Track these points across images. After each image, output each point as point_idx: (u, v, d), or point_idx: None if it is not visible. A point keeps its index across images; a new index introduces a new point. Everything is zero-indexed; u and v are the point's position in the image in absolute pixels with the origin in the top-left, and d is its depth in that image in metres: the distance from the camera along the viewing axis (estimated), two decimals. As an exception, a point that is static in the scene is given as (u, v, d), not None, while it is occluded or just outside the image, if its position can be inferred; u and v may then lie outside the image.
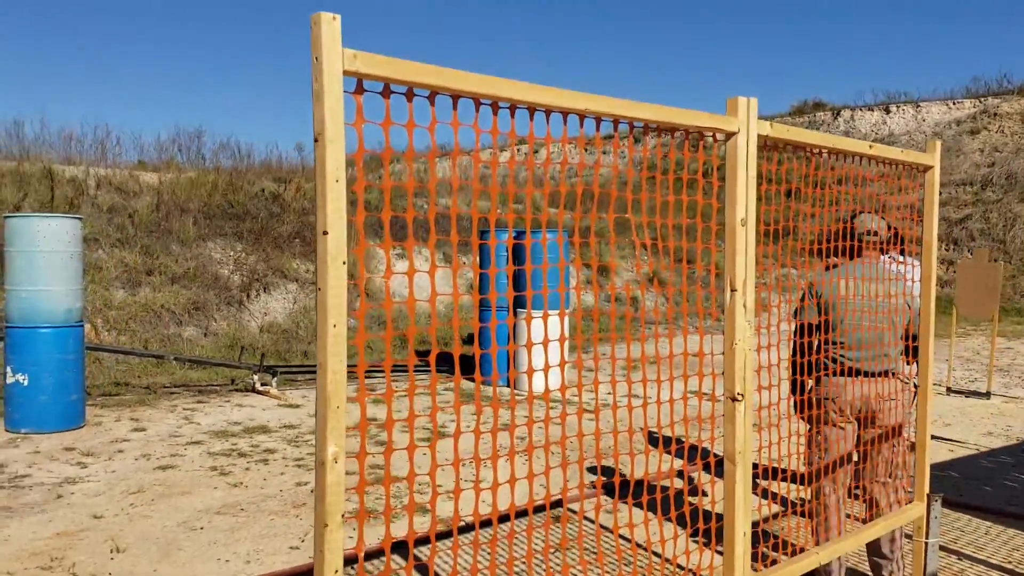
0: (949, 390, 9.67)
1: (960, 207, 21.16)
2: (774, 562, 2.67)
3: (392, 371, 10.94)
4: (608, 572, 4.18)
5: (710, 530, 4.56)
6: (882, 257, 4.35)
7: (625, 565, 4.26)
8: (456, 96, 1.76)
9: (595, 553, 4.35)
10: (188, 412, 8.20)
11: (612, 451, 6.21)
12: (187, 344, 11.07)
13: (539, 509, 5.15)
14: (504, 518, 5.02)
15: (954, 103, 25.22)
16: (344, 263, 1.56)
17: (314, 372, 10.46)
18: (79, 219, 7.52)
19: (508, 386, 9.30)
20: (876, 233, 3.82)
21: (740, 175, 2.31)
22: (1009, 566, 4.47)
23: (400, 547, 4.67)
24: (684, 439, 4.41)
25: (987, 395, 9.34)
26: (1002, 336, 14.12)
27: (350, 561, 4.26)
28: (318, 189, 1.55)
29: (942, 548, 4.23)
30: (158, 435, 7.24)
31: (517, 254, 9.68)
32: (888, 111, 26.23)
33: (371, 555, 4.51)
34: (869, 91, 48.45)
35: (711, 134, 2.30)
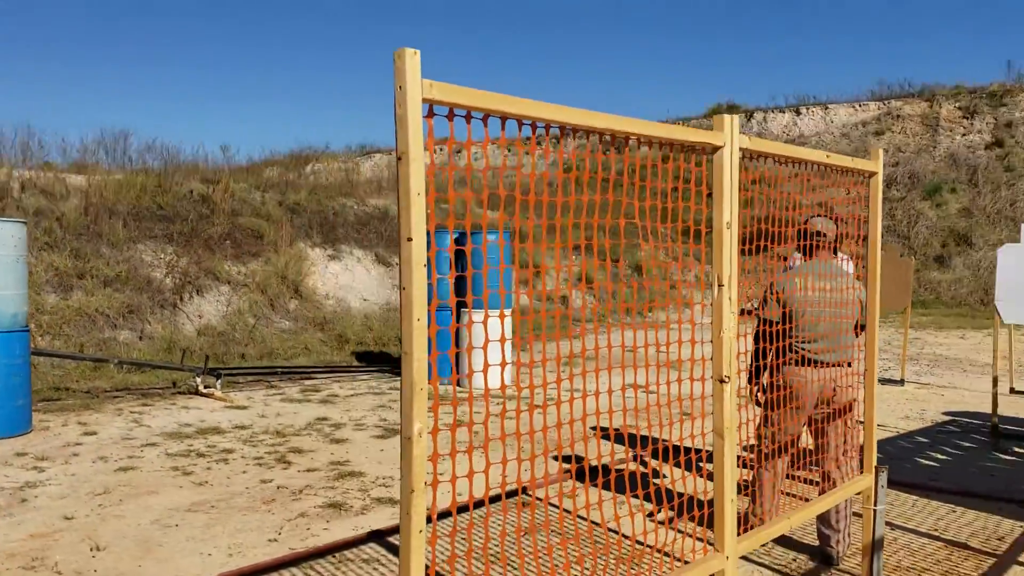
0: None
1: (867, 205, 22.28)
2: (749, 528, 2.99)
3: (332, 372, 11.04)
4: (577, 551, 4.47)
5: (678, 507, 4.91)
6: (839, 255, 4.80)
7: (594, 543, 4.55)
8: (505, 117, 2.01)
9: (565, 535, 4.63)
10: (136, 415, 8.18)
11: (567, 442, 6.52)
12: (123, 348, 10.94)
13: (510, 494, 5.41)
14: (479, 503, 5.26)
15: (860, 105, 26.48)
16: (425, 266, 1.79)
17: (257, 373, 10.50)
18: (24, 223, 7.44)
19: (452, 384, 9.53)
20: (825, 235, 4.26)
21: (726, 183, 2.62)
22: (935, 533, 4.94)
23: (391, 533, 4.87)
24: (632, 429, 4.72)
25: (901, 382, 10.02)
26: (910, 327, 15.02)
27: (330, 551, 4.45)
28: (401, 202, 1.78)
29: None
30: (111, 438, 7.23)
31: (459, 256, 9.91)
32: (799, 113, 27.36)
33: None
34: (781, 94, 50.24)
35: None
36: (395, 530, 4.96)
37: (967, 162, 22.65)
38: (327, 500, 5.55)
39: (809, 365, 4.21)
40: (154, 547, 4.69)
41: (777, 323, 4.17)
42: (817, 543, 4.56)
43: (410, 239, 1.77)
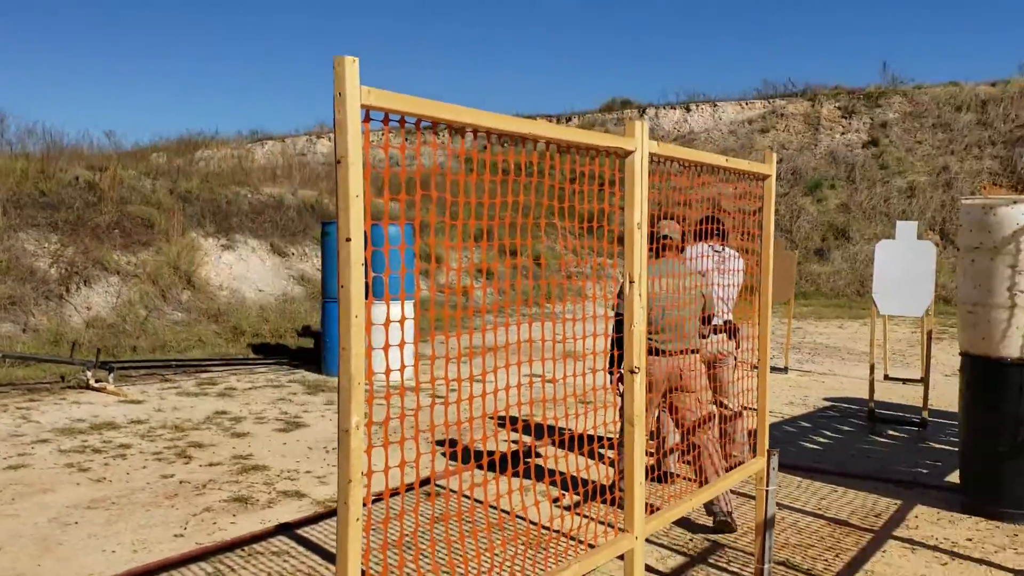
0: (754, 367, 10.82)
1: (753, 200, 23.18)
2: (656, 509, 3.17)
3: (228, 365, 10.83)
4: (487, 540, 4.60)
5: (584, 494, 5.08)
6: (701, 247, 5.22)
7: (503, 531, 4.69)
8: (437, 123, 2.10)
9: (476, 525, 4.75)
10: (23, 411, 7.85)
11: (468, 432, 6.64)
12: (5, 341, 10.45)
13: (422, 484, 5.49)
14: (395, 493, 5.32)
15: (746, 103, 27.48)
16: (363, 264, 1.87)
17: (151, 366, 10.21)
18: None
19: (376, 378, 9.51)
20: (671, 237, 4.78)
21: (636, 186, 2.77)
22: (819, 511, 5.29)
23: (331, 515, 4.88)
24: (537, 419, 4.86)
25: (784, 370, 10.55)
26: (792, 318, 15.75)
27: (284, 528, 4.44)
28: (340, 204, 1.84)
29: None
30: (-4, 436, 6.94)
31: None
32: (688, 110, 28.18)
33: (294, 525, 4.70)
34: (672, 90, 51.55)
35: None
36: (304, 522, 4.98)
37: (845, 160, 23.85)
38: (232, 494, 5.50)
39: (657, 354, 4.65)
40: (53, 546, 4.57)
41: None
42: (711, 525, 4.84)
43: (349, 239, 1.84)
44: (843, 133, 25.14)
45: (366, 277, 1.90)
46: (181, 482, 5.75)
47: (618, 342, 4.57)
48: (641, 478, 2.83)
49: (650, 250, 4.59)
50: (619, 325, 4.42)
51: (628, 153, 2.76)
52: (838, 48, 65.15)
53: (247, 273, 14.87)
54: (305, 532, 4.84)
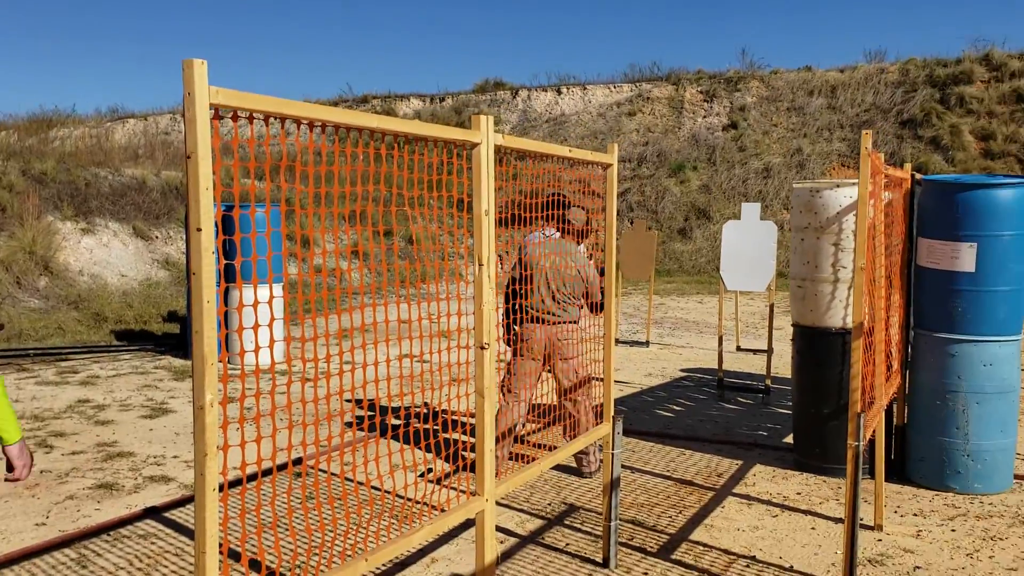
0: (617, 341, 11.32)
1: (621, 182, 23.94)
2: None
3: (91, 352, 10.52)
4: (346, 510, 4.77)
5: (447, 458, 5.31)
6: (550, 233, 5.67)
7: (368, 505, 4.86)
8: (284, 119, 2.25)
9: (337, 498, 4.90)
10: None
11: (337, 410, 6.76)
12: None
13: (289, 464, 5.58)
14: (266, 472, 5.40)
15: (615, 87, 28.23)
16: (214, 252, 2.01)
17: (7, 356, 9.80)
18: None
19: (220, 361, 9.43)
20: (572, 223, 5.24)
21: (483, 176, 2.99)
22: (667, 473, 5.70)
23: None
24: (406, 395, 5.07)
25: (646, 343, 11.09)
26: (656, 294, 16.47)
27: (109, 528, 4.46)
28: (191, 196, 1.97)
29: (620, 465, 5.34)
30: None
31: (226, 227, 9.74)
32: (560, 92, 28.72)
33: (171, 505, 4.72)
34: (544, 73, 52.24)
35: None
36: (172, 505, 5.02)
37: (707, 142, 24.92)
38: (96, 481, 5.46)
39: (538, 322, 5.29)
40: (-96, 542, 4.45)
41: (517, 283, 5.24)
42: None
43: (199, 229, 1.98)
44: (705, 116, 26.20)
45: (218, 264, 2.04)
46: (42, 471, 5.65)
47: (508, 311, 5.25)
48: (491, 445, 3.07)
49: (557, 229, 5.27)
50: (506, 297, 5.30)
51: (474, 145, 2.97)
52: (700, 33, 67.50)
53: (109, 258, 14.38)
54: (173, 515, 4.88)
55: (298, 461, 5.64)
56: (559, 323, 5.35)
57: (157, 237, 15.52)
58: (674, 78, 27.62)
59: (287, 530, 4.51)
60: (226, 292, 9.51)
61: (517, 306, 5.25)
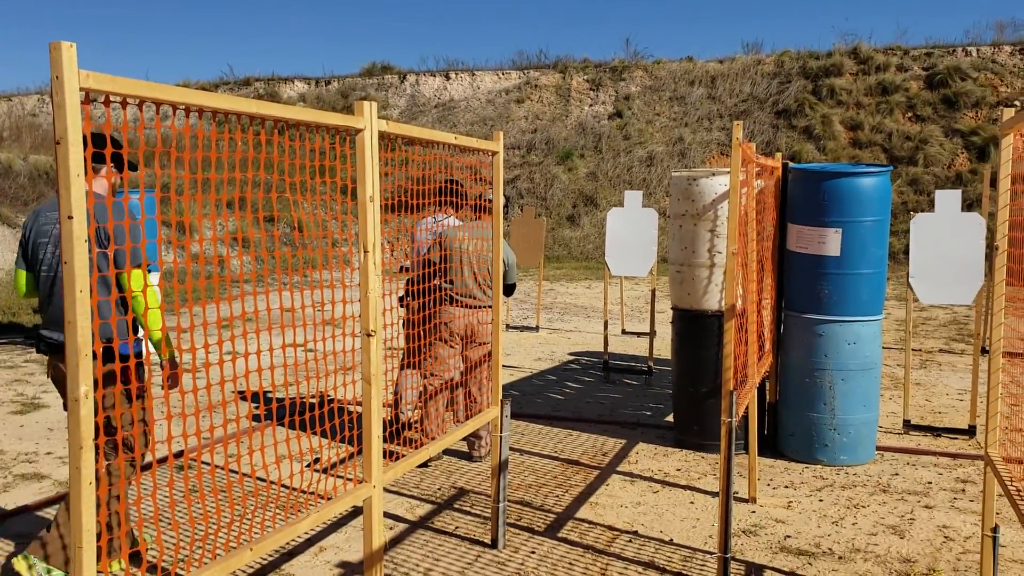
0: (508, 326, 11.46)
1: (510, 169, 24.11)
2: (397, 458, 3.43)
3: (-48, 345, 9.92)
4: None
5: (339, 440, 5.28)
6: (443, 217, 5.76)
7: (253, 495, 4.80)
8: (157, 103, 2.20)
9: (222, 490, 4.82)
10: None
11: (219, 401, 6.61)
12: None
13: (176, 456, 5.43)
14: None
15: (503, 73, 28.35)
16: (87, 240, 1.95)
17: None
18: None
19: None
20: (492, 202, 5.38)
21: (367, 162, 2.99)
22: (555, 454, 5.83)
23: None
24: (290, 384, 5.03)
25: (536, 328, 11.25)
26: (545, 280, 16.70)
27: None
28: (61, 183, 1.91)
29: (510, 448, 5.43)
30: None
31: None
32: (448, 78, 28.64)
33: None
34: (432, 57, 51.92)
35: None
36: (46, 503, 4.82)
37: (593, 130, 25.34)
38: (-39, 483, 5.18)
39: (456, 305, 5.38)
40: None
41: (435, 265, 5.27)
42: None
43: (71, 217, 1.92)
44: (591, 105, 26.63)
45: (91, 252, 1.98)
46: (-101, 474, 5.33)
47: (400, 299, 5.22)
48: (379, 431, 3.08)
49: (473, 211, 5.45)
50: (419, 277, 5.36)
51: (358, 131, 2.97)
52: (586, 21, 68.38)
53: (-30, 246, 13.55)
54: (47, 513, 4.69)
55: (180, 454, 5.50)
56: (480, 307, 5.44)
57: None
58: (561, 66, 27.94)
59: (169, 524, 4.41)
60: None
61: (428, 289, 5.24)
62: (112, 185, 3.82)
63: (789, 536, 4.37)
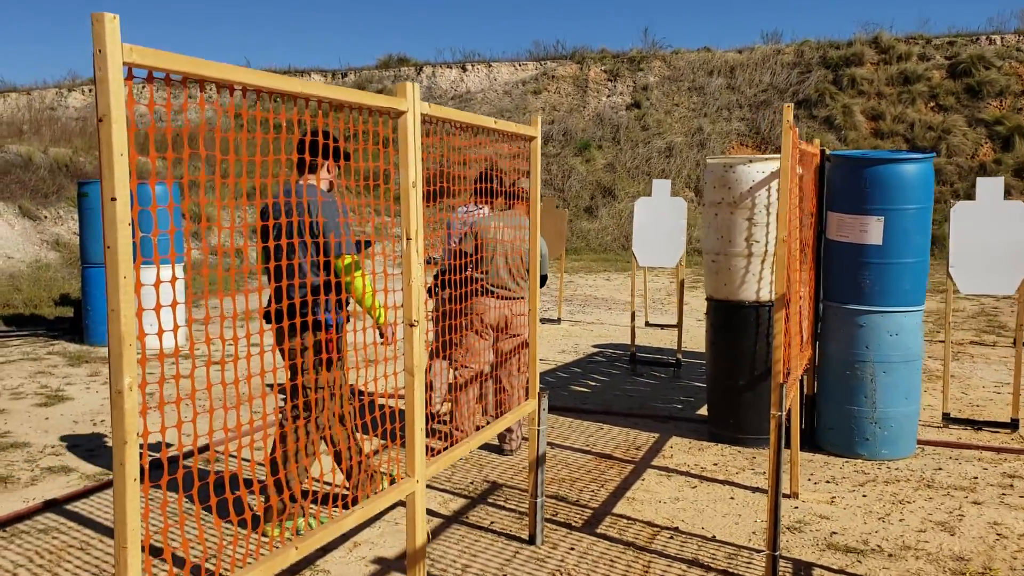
0: (529, 319, 11.34)
1: (515, 168, 23.96)
2: (436, 453, 3.34)
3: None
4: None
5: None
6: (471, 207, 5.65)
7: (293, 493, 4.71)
8: (203, 81, 2.09)
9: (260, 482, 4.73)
10: None
11: (246, 397, 6.53)
12: None
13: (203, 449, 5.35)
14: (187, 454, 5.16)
15: (519, 65, 28.18)
16: (130, 224, 1.85)
17: None
18: None
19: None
20: (527, 192, 5.24)
21: (410, 146, 2.87)
22: (587, 448, 5.72)
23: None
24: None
25: (558, 321, 11.13)
26: (565, 272, 16.58)
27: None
28: (104, 162, 1.81)
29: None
30: None
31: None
32: (465, 69, 28.50)
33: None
34: (448, 49, 51.74)
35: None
36: (73, 497, 4.75)
37: (611, 121, 25.15)
38: (-12, 476, 5.12)
39: (493, 297, 5.23)
40: None
41: (469, 256, 5.14)
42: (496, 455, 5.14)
43: (114, 199, 1.82)
44: (609, 96, 26.44)
45: (133, 237, 1.88)
46: (-75, 467, 5.27)
47: (429, 290, 5.18)
48: (422, 424, 2.98)
49: (505, 202, 5.30)
50: (450, 268, 5.17)
51: (400, 114, 2.85)
52: (603, 12, 67.98)
53: (-10, 238, 13.55)
54: (76, 507, 4.61)
55: (205, 448, 5.42)
56: (513, 298, 5.32)
57: (46, 217, 14.71)
58: (578, 57, 27.75)
59: (210, 521, 4.32)
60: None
61: (461, 281, 5.09)
62: (332, 181, 4.24)
63: (835, 532, 4.24)
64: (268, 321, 3.93)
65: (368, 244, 4.50)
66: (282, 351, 3.95)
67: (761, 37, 28.39)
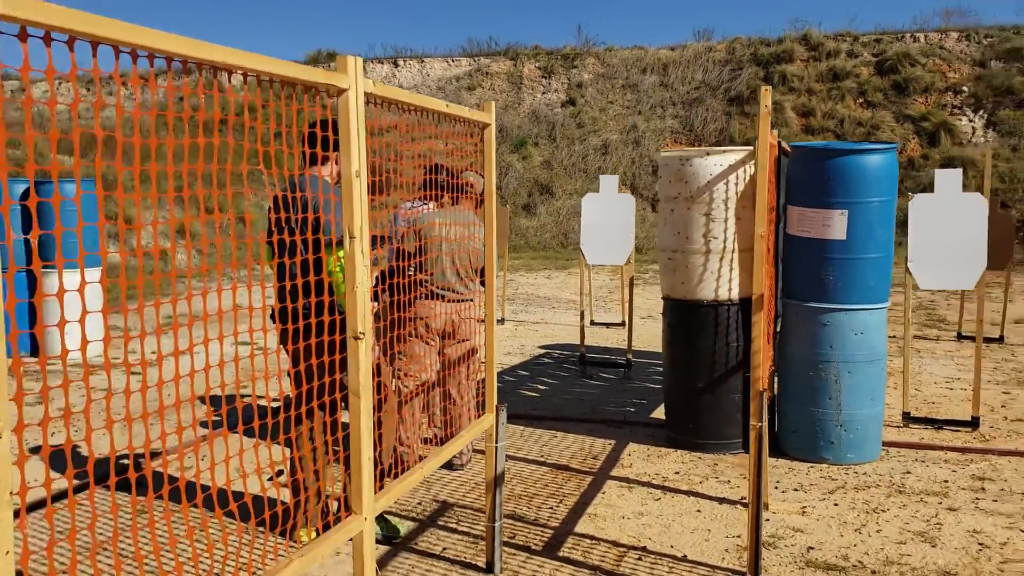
0: (480, 320, 10.95)
1: (464, 157, 23.54)
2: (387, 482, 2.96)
3: None
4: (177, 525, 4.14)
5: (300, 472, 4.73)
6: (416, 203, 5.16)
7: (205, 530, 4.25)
8: (96, 43, 1.66)
9: (168, 510, 4.26)
10: None
11: (171, 414, 6.00)
12: None
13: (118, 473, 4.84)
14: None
15: (453, 61, 27.74)
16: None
17: None
18: None
19: (31, 354, 8.37)
20: (473, 187, 4.75)
21: (353, 130, 2.48)
22: (541, 459, 5.37)
23: None
24: (246, 389, 4.48)
25: (501, 321, 10.77)
26: (506, 270, 16.22)
27: None
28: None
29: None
30: None
31: (27, 211, 8.60)
32: (397, 65, 27.94)
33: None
34: (380, 45, 50.89)
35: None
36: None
37: (547, 119, 24.89)
38: None
39: (436, 299, 4.76)
40: None
41: (412, 256, 4.62)
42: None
43: (-26, 189, 1.39)
44: (544, 93, 26.20)
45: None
46: None
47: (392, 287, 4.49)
48: (369, 452, 2.58)
49: (451, 197, 4.76)
50: (393, 271, 4.45)
51: (341, 92, 2.46)
52: (536, 9, 67.89)
53: None
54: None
55: (123, 469, 4.91)
56: (461, 301, 4.87)
57: (-52, 219, 13.75)
58: (512, 53, 27.44)
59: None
60: (33, 281, 8.45)
61: (403, 283, 4.61)
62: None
63: (812, 548, 3.97)
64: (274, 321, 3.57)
65: (381, 241, 4.43)
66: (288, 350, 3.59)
67: (693, 35, 28.52)
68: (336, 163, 3.99)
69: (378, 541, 3.98)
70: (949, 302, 11.95)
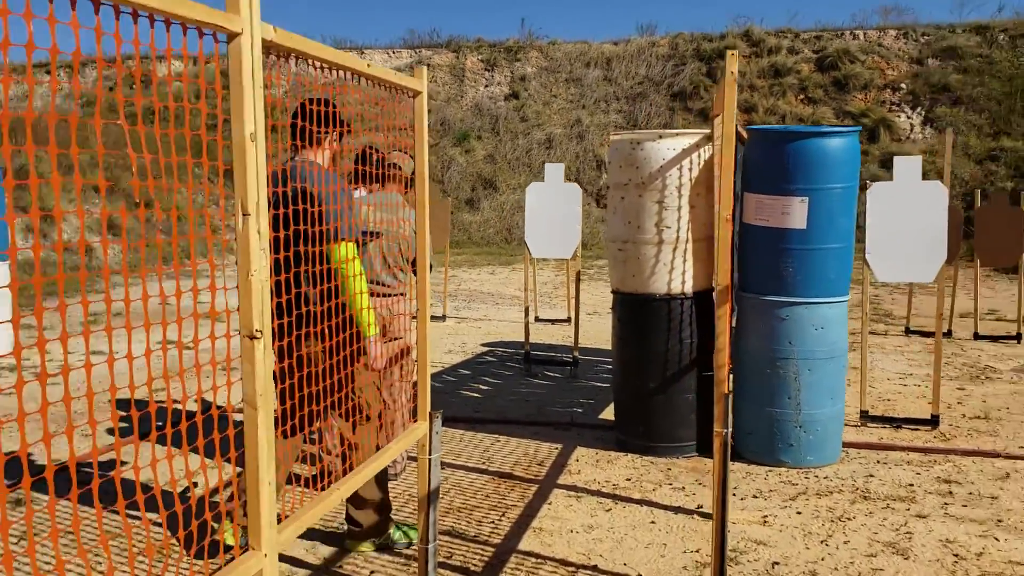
0: (412, 316, 10.48)
1: (405, 150, 23.01)
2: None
3: None
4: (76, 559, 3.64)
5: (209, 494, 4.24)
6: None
7: (118, 536, 3.76)
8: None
9: (68, 532, 3.76)
10: None
11: (84, 417, 5.44)
12: None
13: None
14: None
15: (394, 52, 27.14)
16: None
17: None
18: None
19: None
20: (401, 168, 4.27)
21: (247, 84, 2.03)
22: (483, 466, 4.96)
23: None
24: (161, 395, 4.00)
25: (443, 318, 10.33)
26: (448, 266, 15.77)
27: None
28: None
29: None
30: None
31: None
32: (336, 56, 27.26)
33: None
34: (319, 35, 49.82)
35: (211, 32, 1.98)
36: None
37: (490, 112, 24.45)
38: None
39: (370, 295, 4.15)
40: None
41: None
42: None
43: None
44: (487, 86, 25.77)
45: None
46: None
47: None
48: (270, 475, 2.14)
49: (376, 179, 4.32)
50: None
51: (233, 36, 2.01)
52: (480, 3, 67.32)
53: None
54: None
55: (16, 483, 4.37)
56: (391, 295, 4.38)
57: None
58: (454, 45, 26.95)
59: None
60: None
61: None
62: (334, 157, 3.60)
63: (777, 563, 3.63)
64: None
65: (377, 235, 4.08)
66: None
67: (636, 29, 28.30)
68: (329, 146, 3.56)
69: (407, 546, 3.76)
70: (893, 296, 11.86)
